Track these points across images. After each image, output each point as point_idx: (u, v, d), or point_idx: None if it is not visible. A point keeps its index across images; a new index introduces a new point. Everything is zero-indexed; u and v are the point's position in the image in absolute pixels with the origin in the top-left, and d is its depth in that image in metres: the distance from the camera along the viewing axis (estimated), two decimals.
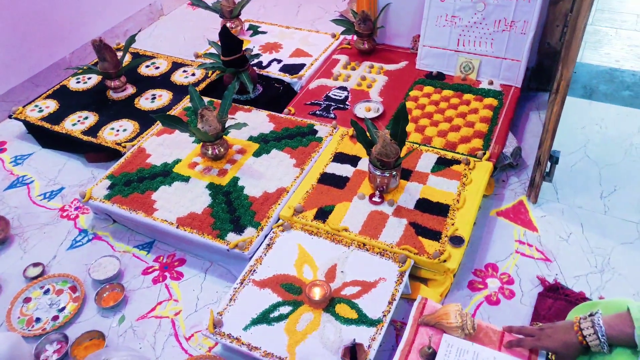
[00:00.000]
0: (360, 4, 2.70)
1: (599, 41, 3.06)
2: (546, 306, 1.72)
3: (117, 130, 2.40)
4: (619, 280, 1.79)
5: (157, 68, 2.82)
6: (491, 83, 2.45)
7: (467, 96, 2.41)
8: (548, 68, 2.53)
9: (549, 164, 1.96)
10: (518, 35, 2.36)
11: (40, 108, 2.57)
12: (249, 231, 1.86)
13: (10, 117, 2.56)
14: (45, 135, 2.51)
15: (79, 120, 2.47)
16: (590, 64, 2.82)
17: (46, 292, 1.87)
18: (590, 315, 1.28)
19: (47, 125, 2.47)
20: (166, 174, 2.12)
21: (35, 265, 1.95)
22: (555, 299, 1.73)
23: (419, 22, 2.58)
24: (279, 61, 2.78)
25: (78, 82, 2.75)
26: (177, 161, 2.18)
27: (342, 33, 2.84)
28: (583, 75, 2.72)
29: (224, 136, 2.15)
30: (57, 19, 2.90)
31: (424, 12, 2.52)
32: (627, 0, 3.43)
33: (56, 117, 2.50)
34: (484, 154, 2.09)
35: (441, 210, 1.89)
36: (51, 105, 2.59)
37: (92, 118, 2.49)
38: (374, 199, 1.93)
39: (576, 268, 1.84)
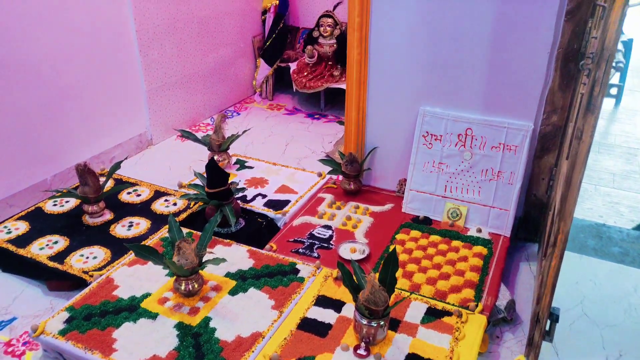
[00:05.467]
0: (348, 146, 2.74)
1: (580, 196, 3.10)
2: None
3: (87, 258, 2.25)
4: None
5: (139, 195, 2.74)
6: (479, 231, 2.41)
7: (455, 243, 2.34)
8: (535, 219, 2.52)
9: (548, 322, 1.83)
10: (505, 185, 2.38)
11: (8, 229, 2.43)
12: None
13: None
14: (7, 259, 2.33)
15: (47, 245, 2.33)
16: (576, 217, 2.84)
17: None
18: None
19: (11, 247, 2.31)
20: (132, 309, 1.93)
21: None
22: None
23: (405, 166, 2.61)
24: (264, 196, 2.73)
25: (55, 205, 2.64)
26: (147, 295, 2.01)
27: (329, 173, 2.85)
28: (570, 229, 2.71)
29: (200, 271, 2.01)
30: (43, 141, 2.86)
31: (411, 158, 2.55)
32: (600, 160, 3.59)
33: (24, 240, 2.36)
34: (477, 305, 1.96)
35: None
36: (21, 227, 2.45)
37: (62, 243, 2.34)
38: (359, 352, 1.75)
39: None
